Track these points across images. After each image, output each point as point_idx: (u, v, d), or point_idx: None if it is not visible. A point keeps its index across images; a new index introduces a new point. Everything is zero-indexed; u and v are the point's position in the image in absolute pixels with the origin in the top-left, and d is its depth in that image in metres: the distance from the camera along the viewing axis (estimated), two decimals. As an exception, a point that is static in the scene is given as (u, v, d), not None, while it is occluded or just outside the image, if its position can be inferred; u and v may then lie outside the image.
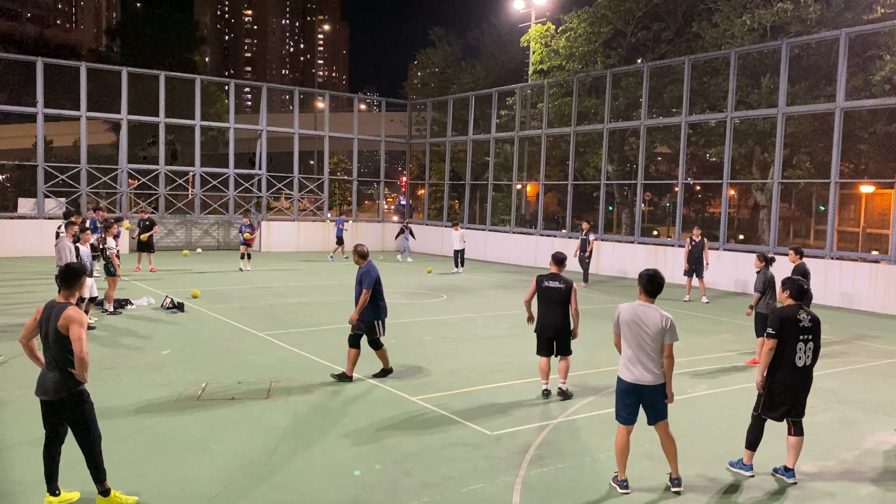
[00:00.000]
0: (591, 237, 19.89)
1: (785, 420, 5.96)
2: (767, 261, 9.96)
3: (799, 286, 5.99)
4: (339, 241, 25.84)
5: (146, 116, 26.37)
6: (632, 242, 23.08)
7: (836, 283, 17.54)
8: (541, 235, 25.83)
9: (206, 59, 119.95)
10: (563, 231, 25.56)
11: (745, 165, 24.40)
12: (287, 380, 8.61)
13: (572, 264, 22.06)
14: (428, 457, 6.22)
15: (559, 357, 8.15)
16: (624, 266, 22.62)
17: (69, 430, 5.00)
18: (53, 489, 4.98)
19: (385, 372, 8.84)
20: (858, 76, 19.58)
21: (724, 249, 20.21)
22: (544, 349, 8.16)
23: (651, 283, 5.57)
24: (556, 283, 7.99)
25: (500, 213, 29.67)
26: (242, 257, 20.73)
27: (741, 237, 29.13)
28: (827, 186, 19.06)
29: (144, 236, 19.58)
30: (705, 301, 16.90)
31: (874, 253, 20.40)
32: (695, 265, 17.02)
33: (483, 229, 28.11)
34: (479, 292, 17.66)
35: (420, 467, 5.95)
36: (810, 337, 5.81)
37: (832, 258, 18.01)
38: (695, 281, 17.24)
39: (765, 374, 5.91)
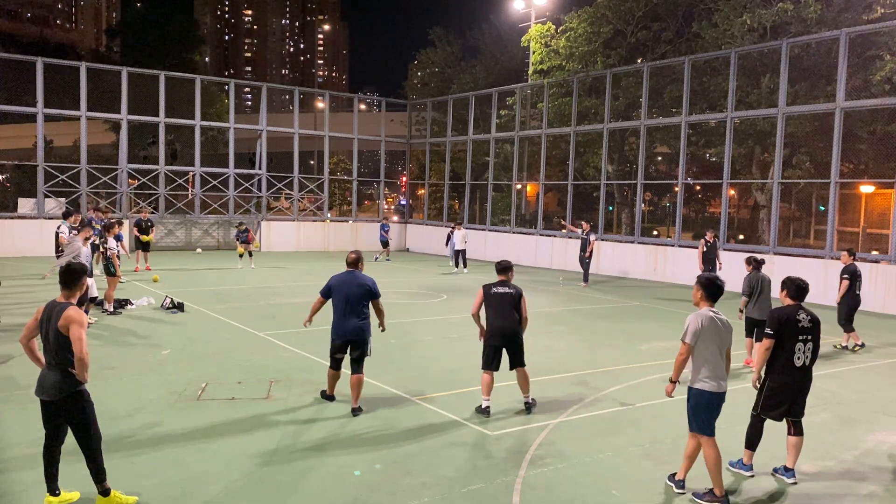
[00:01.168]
0: (592, 237, 19.88)
1: (785, 420, 5.96)
2: (755, 264, 9.90)
3: (797, 286, 5.97)
4: (384, 244, 25.71)
5: (146, 116, 26.37)
6: (632, 242, 23.09)
7: (835, 283, 17.51)
8: (541, 235, 25.84)
9: (206, 59, 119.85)
10: (563, 231, 25.57)
11: (745, 165, 24.41)
12: (287, 380, 8.61)
13: (573, 264, 22.10)
14: (428, 457, 6.22)
15: (515, 369, 7.48)
16: (624, 266, 22.63)
17: (69, 430, 5.00)
18: (53, 489, 4.98)
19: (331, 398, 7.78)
20: (858, 76, 19.58)
21: (724, 249, 20.19)
22: (491, 361, 7.39)
23: (716, 289, 5.52)
24: (506, 289, 7.60)
25: (500, 213, 29.67)
26: (241, 256, 20.74)
27: (741, 237, 29.14)
28: (827, 186, 19.06)
29: (146, 238, 19.72)
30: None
31: (874, 253, 20.39)
32: (709, 266, 16.91)
33: (483, 229, 28.11)
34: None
35: (420, 467, 5.95)
36: (809, 337, 5.80)
37: (832, 258, 18.01)
38: None
39: (761, 373, 5.92)
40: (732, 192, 28.37)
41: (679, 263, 21.24)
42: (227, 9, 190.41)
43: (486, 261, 26.84)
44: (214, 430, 6.72)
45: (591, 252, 19.83)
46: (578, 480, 5.81)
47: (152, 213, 25.16)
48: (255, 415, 7.23)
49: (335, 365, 7.54)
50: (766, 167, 23.27)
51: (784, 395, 5.81)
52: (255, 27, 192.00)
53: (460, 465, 6.01)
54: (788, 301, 5.96)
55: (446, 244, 24.26)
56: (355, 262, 7.48)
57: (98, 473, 4.96)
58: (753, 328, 9.88)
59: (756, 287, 9.77)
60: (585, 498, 5.49)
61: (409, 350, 10.44)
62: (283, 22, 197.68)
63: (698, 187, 32.07)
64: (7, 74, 24.83)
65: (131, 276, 18.03)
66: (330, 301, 7.41)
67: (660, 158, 32.21)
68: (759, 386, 5.98)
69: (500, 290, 7.64)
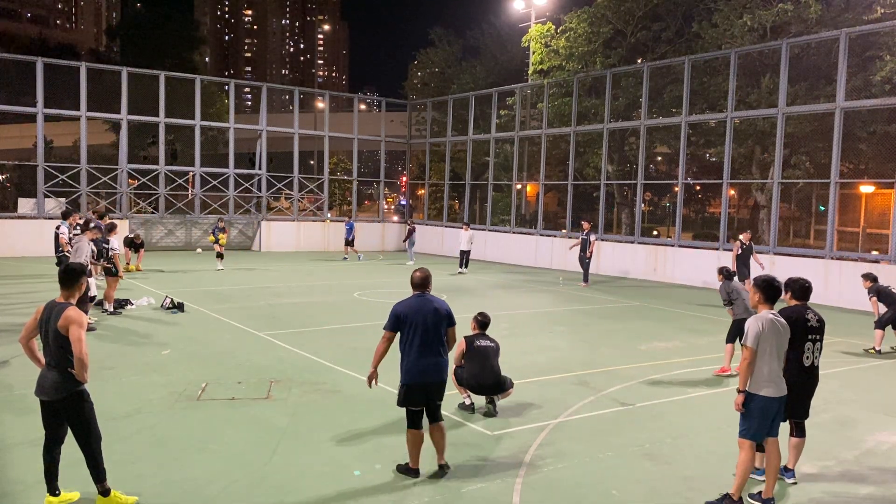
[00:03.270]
0: (592, 237, 19.89)
1: (788, 421, 5.92)
2: (726, 275, 9.87)
3: (800, 286, 5.92)
4: (349, 244, 25.73)
5: (146, 116, 26.37)
6: (632, 242, 23.09)
7: (836, 282, 17.54)
8: (541, 235, 25.84)
9: (206, 59, 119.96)
10: (563, 231, 25.57)
11: (745, 165, 24.40)
12: (287, 380, 8.60)
13: (573, 264, 22.09)
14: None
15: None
16: (624, 266, 22.63)
17: (69, 430, 5.00)
18: (53, 489, 4.98)
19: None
20: (858, 76, 19.57)
21: (724, 250, 20.20)
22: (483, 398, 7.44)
23: (774, 290, 5.45)
24: (488, 342, 7.51)
25: (500, 213, 29.68)
26: (219, 256, 20.67)
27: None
28: (827, 186, 19.06)
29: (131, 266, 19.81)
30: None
31: (874, 253, 20.39)
32: (744, 269, 16.49)
33: (483, 229, 28.11)
34: (479, 292, 17.66)
35: (420, 467, 5.95)
36: (818, 337, 5.79)
37: (832, 258, 18.01)
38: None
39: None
40: (732, 192, 28.36)
41: (679, 264, 21.25)
42: (227, 9, 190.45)
43: (487, 261, 26.85)
44: (214, 430, 6.72)
45: (591, 252, 19.83)
46: (578, 480, 5.81)
47: (144, 212, 25.16)
48: (255, 415, 7.23)
49: (416, 422, 5.69)
50: (766, 167, 23.26)
51: (791, 396, 5.69)
52: (255, 27, 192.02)
53: (460, 466, 6.01)
54: (794, 302, 5.91)
55: (404, 240, 25.39)
56: (425, 282, 5.86)
57: (98, 473, 4.96)
58: (737, 332, 9.71)
59: (732, 293, 9.67)
60: (585, 498, 5.49)
61: (409, 350, 10.44)
62: (283, 22, 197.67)
63: (698, 187, 32.08)
64: (7, 74, 24.84)
65: (131, 276, 18.02)
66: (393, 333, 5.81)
67: (660, 158, 32.23)
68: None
69: (482, 343, 7.53)
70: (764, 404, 5.28)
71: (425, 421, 5.75)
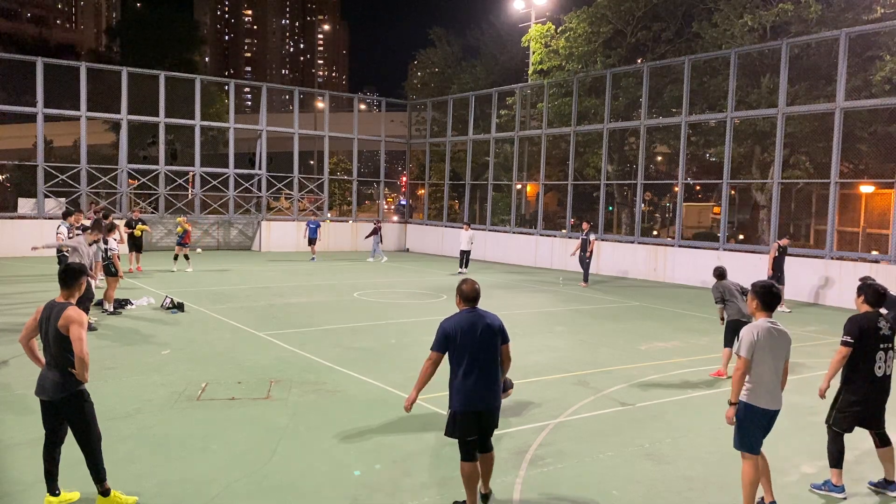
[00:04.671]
0: (592, 237, 19.89)
1: (869, 434, 5.75)
2: (718, 275, 9.84)
3: (875, 290, 5.70)
4: (312, 242, 25.02)
5: (146, 116, 26.37)
6: (632, 242, 23.09)
7: (836, 282, 17.54)
8: (541, 235, 25.84)
9: (206, 59, 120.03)
10: (564, 231, 25.58)
11: (745, 165, 24.41)
12: (287, 380, 8.60)
13: (573, 264, 22.11)
14: (428, 457, 6.21)
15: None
16: (624, 266, 22.63)
17: (69, 430, 5.00)
18: (53, 489, 4.98)
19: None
20: (858, 76, 19.58)
21: (724, 250, 20.22)
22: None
23: (773, 297, 5.13)
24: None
25: (500, 213, 29.68)
26: (177, 258, 19.85)
27: (741, 237, 29.15)
28: (827, 187, 19.06)
29: (137, 231, 19.31)
30: (787, 311, 15.89)
31: (874, 253, 20.40)
32: (780, 273, 16.09)
33: (483, 229, 28.11)
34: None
35: (420, 467, 5.95)
36: (890, 345, 5.56)
37: (832, 258, 18.01)
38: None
39: (830, 383, 5.69)
40: (732, 192, 28.37)
41: (679, 264, 21.25)
42: (227, 9, 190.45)
43: (487, 261, 26.85)
44: (214, 430, 6.72)
45: (591, 252, 19.83)
46: (578, 480, 5.81)
47: (153, 212, 25.12)
48: (255, 415, 7.23)
49: (470, 454, 5.01)
50: (766, 167, 23.27)
51: (860, 407, 5.56)
52: (255, 27, 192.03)
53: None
54: (865, 307, 5.70)
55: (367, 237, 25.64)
56: (477, 296, 5.19)
57: (98, 473, 4.96)
58: (734, 333, 9.65)
59: (725, 293, 9.63)
60: (585, 498, 5.49)
61: (409, 350, 10.44)
62: (283, 22, 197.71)
63: (698, 187, 32.08)
64: (7, 74, 24.84)
65: (129, 277, 18.03)
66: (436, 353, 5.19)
67: (660, 158, 32.23)
68: (825, 396, 5.77)
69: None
70: (760, 416, 5.04)
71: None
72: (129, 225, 19.59)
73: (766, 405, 5.02)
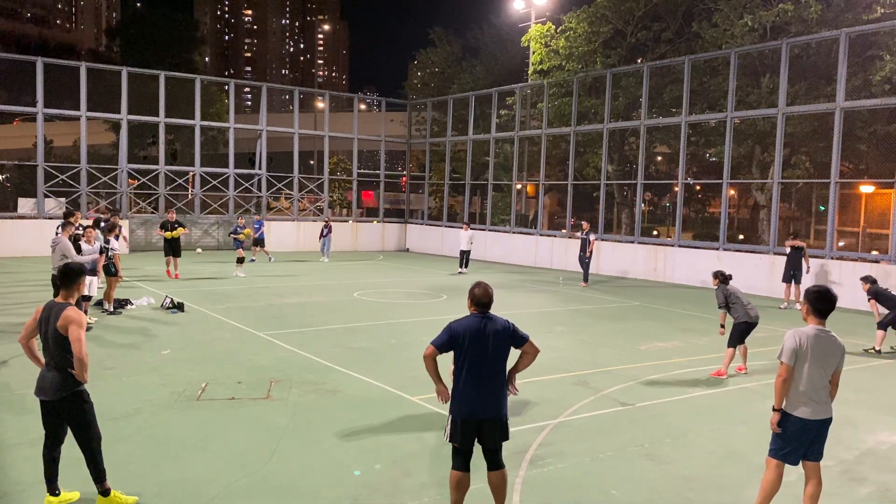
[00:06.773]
0: (592, 237, 19.89)
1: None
2: (722, 278, 9.82)
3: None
4: (259, 243, 23.25)
5: (146, 116, 26.37)
6: (632, 242, 23.09)
7: (836, 282, 17.53)
8: (541, 235, 25.84)
9: (206, 59, 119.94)
10: (564, 231, 25.57)
11: (745, 165, 24.41)
12: (287, 380, 8.60)
13: (573, 264, 22.11)
14: (428, 457, 6.21)
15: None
16: (624, 266, 22.63)
17: (69, 431, 4.99)
18: (53, 489, 4.98)
19: None
20: (858, 76, 19.58)
21: (724, 250, 20.22)
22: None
23: (826, 303, 4.82)
24: None
25: (500, 213, 29.68)
26: (241, 261, 19.55)
27: (741, 237, 29.14)
28: (827, 186, 19.06)
29: (169, 234, 18.16)
30: (799, 307, 16.32)
31: (874, 253, 20.39)
32: (794, 270, 16.50)
33: (483, 229, 28.12)
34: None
35: (420, 467, 5.95)
36: None
37: (832, 258, 18.01)
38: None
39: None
40: (732, 192, 28.37)
41: (679, 264, 21.25)
42: (227, 9, 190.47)
43: (487, 261, 26.85)
44: (214, 430, 6.72)
45: (591, 252, 19.83)
46: (578, 480, 5.81)
47: (144, 212, 25.03)
48: (255, 415, 7.23)
49: (463, 464, 4.87)
50: (766, 167, 23.26)
51: None
52: (255, 27, 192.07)
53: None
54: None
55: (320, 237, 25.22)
56: (489, 301, 4.92)
57: (98, 473, 4.96)
58: (738, 334, 9.61)
59: (729, 297, 9.61)
60: (585, 498, 5.49)
61: (409, 350, 10.44)
62: (283, 22, 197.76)
63: (698, 187, 32.07)
64: (7, 74, 24.85)
65: (133, 276, 18.01)
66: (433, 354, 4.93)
67: (660, 158, 32.21)
68: None
69: None
70: (800, 426, 4.84)
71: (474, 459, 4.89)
72: (165, 227, 18.34)
73: (802, 414, 4.82)
